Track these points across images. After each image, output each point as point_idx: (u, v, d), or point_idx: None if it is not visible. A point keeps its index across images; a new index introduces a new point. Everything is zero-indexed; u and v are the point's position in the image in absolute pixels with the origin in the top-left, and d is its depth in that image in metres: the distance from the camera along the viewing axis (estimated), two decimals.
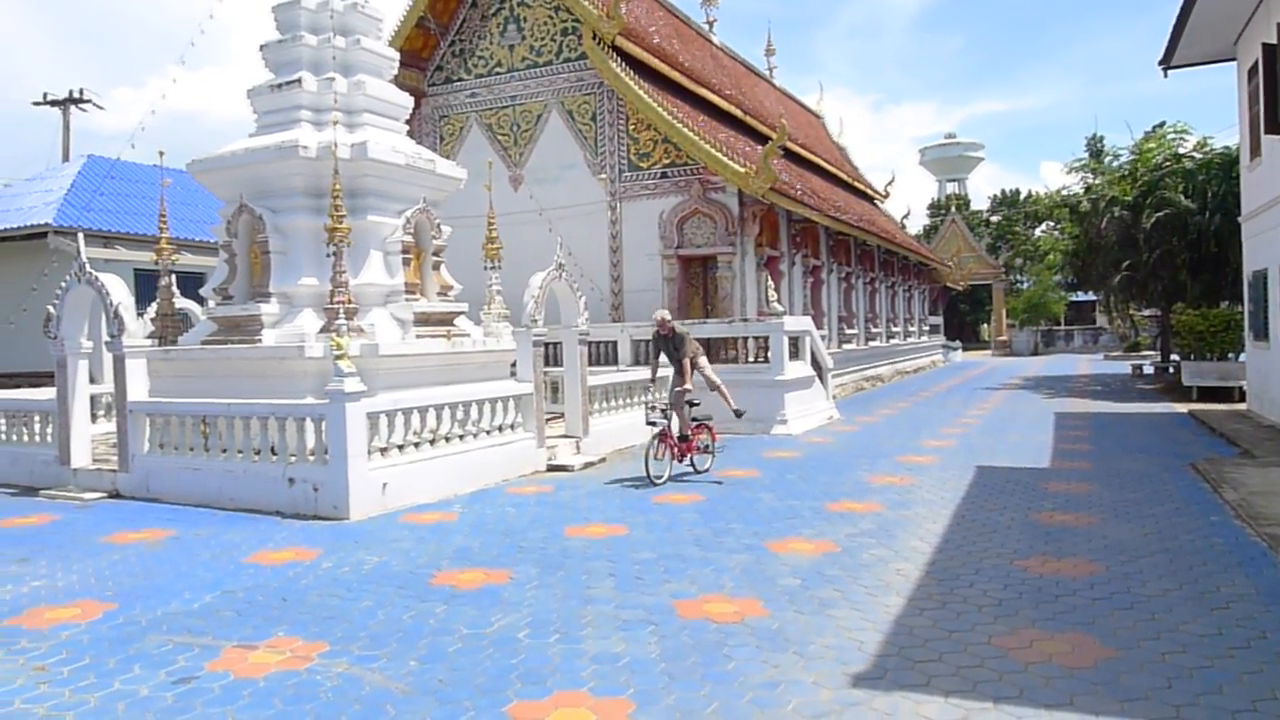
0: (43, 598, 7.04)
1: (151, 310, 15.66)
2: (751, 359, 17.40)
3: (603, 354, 19.13)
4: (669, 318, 11.82)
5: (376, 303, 13.05)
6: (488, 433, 12.02)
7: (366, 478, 10.03)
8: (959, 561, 7.42)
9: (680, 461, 11.50)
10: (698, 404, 11.99)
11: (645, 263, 20.46)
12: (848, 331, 28.11)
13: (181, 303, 15.80)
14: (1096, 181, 29.19)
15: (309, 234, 12.84)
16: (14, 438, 13.14)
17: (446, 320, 13.75)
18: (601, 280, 20.58)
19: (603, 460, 13.60)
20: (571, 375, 14.18)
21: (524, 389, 12.81)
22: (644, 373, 16.59)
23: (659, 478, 11.13)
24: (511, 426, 12.57)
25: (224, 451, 10.92)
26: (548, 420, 14.97)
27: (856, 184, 37.48)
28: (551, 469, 12.85)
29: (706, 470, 11.79)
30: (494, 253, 14.51)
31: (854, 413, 20.00)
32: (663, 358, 12.82)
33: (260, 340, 12.33)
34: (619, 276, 20.87)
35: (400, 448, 10.76)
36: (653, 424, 11.40)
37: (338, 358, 9.92)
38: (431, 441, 11.20)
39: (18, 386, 18.43)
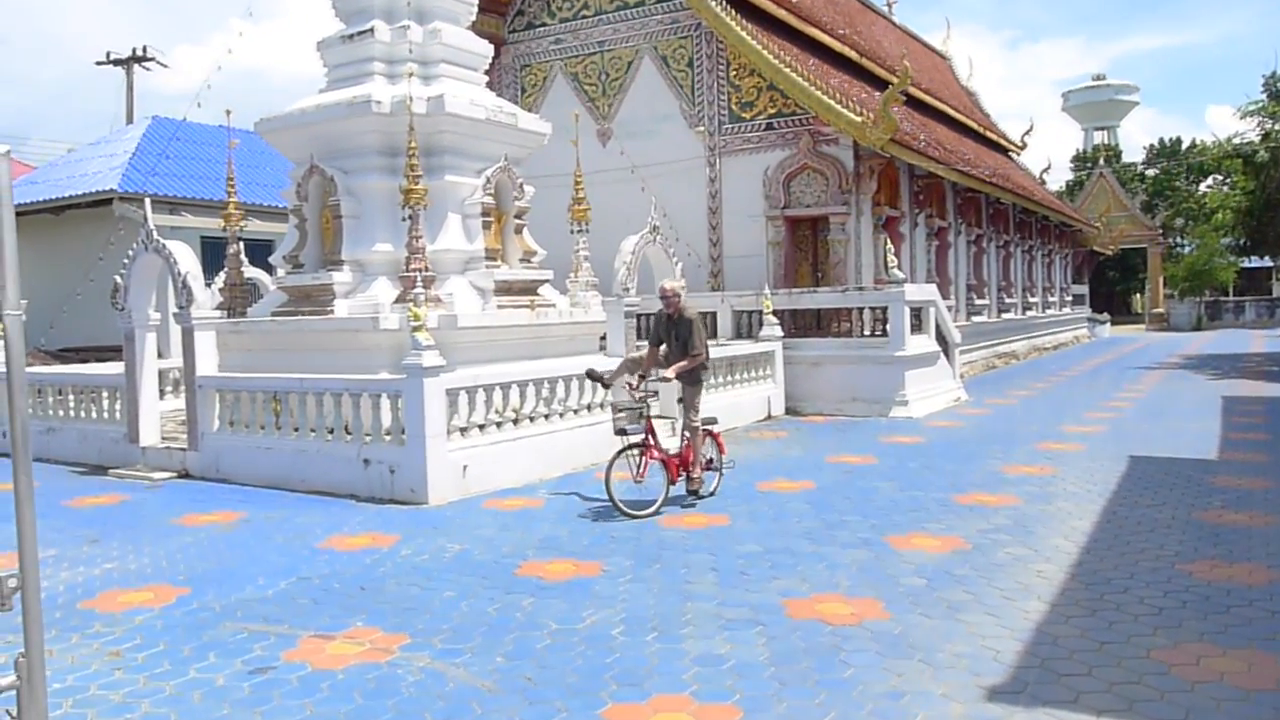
0: (115, 580, 7.42)
1: (219, 280, 16.28)
2: (867, 332, 17.19)
3: None
4: (680, 290, 9.89)
5: (455, 270, 13.29)
6: (575, 412, 12.15)
7: (446, 459, 10.26)
8: (1110, 564, 7.21)
9: (673, 483, 9.52)
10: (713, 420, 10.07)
11: (747, 225, 20.35)
12: (977, 302, 27.48)
13: (250, 272, 16.35)
14: (1276, 127, 27.76)
15: (383, 196, 13.14)
16: (82, 414, 13.86)
17: (530, 289, 13.92)
18: (699, 245, 20.54)
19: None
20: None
21: (614, 363, 12.88)
22: (747, 346, 16.55)
23: (643, 508, 9.05)
24: (601, 406, 12.67)
25: (295, 430, 11.29)
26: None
27: (988, 134, 36.46)
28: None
29: (713, 493, 9.89)
30: (581, 215, 14.62)
31: (984, 394, 19.57)
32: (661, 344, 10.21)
33: (332, 311, 12.69)
34: (718, 241, 20.80)
35: (481, 428, 10.97)
36: (623, 432, 9.17)
37: (414, 329, 10.15)
38: (515, 421, 11.39)
39: (84, 361, 19.41)
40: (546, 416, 11.80)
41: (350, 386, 10.82)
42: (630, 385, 9.47)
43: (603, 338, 14.63)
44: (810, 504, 9.55)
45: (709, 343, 10.81)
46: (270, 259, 15.19)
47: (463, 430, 10.72)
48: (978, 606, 6.32)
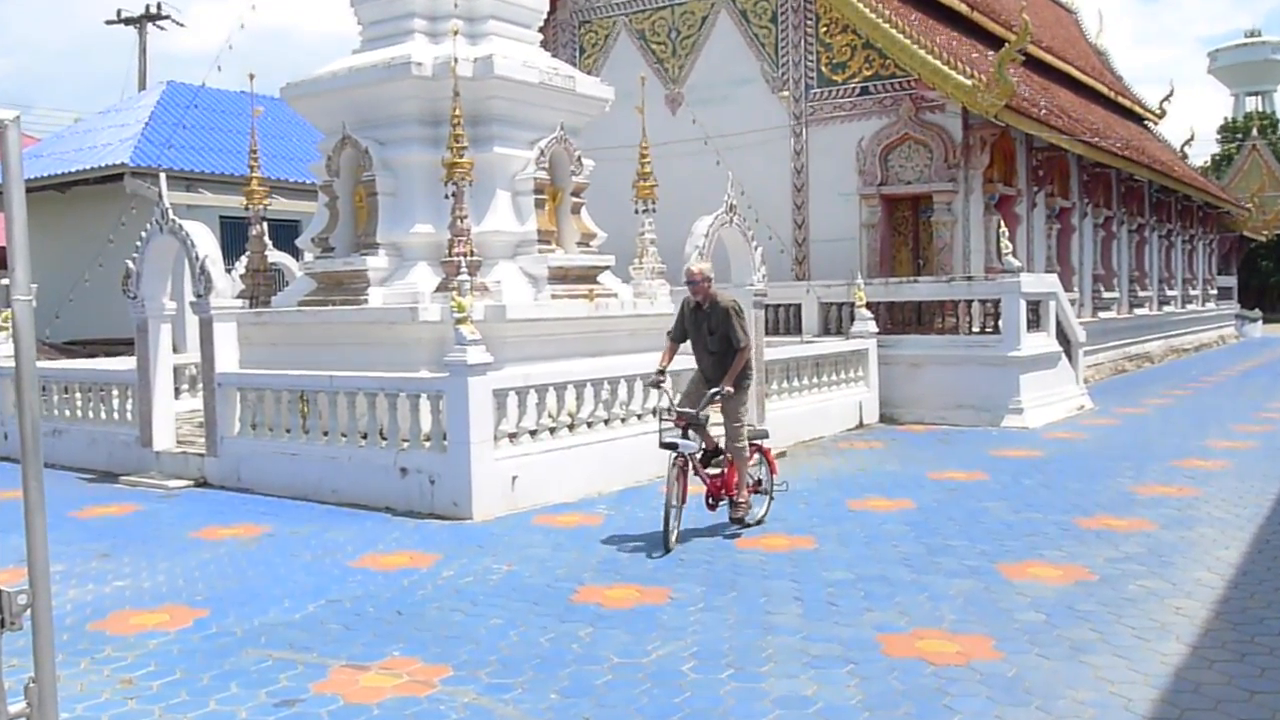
0: (127, 600, 7.62)
1: (240, 265, 16.66)
2: (976, 329, 17.00)
3: (782, 320, 19.08)
4: (708, 273, 9.31)
5: (504, 254, 13.41)
6: (639, 417, 12.19)
7: (493, 469, 10.37)
8: (1262, 601, 7.05)
9: (712, 508, 9.38)
10: (706, 418, 9.33)
11: (838, 204, 20.27)
12: (1105, 295, 27.01)
13: (274, 256, 16.71)
14: None
15: (424, 171, 13.31)
16: (91, 414, 14.24)
17: (588, 276, 13.99)
18: (782, 227, 20.46)
19: (782, 454, 13.58)
20: None
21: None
22: (836, 344, 16.47)
23: (671, 537, 8.67)
24: (668, 410, 12.68)
25: (325, 434, 11.49)
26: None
27: (1120, 100, 35.81)
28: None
29: (760, 521, 9.54)
30: (647, 192, 14.66)
31: (1112, 401, 19.24)
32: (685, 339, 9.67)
33: (366, 300, 12.89)
34: (804, 222, 20.73)
35: (532, 433, 11.05)
36: (670, 446, 8.79)
37: (458, 322, 10.26)
38: (571, 427, 11.45)
39: (92, 355, 19.94)
40: (607, 422, 11.85)
41: (386, 385, 10.97)
42: (660, 384, 9.22)
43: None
44: (909, 526, 9.49)
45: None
46: (297, 241, 15.46)
47: (512, 436, 10.81)
48: (1105, 647, 6.23)
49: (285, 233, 21.29)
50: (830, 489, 11.41)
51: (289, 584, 7.94)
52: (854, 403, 16.47)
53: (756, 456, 9.61)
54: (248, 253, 15.26)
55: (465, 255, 12.09)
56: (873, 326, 16.99)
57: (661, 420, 9.13)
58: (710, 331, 9.18)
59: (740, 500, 9.33)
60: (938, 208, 19.38)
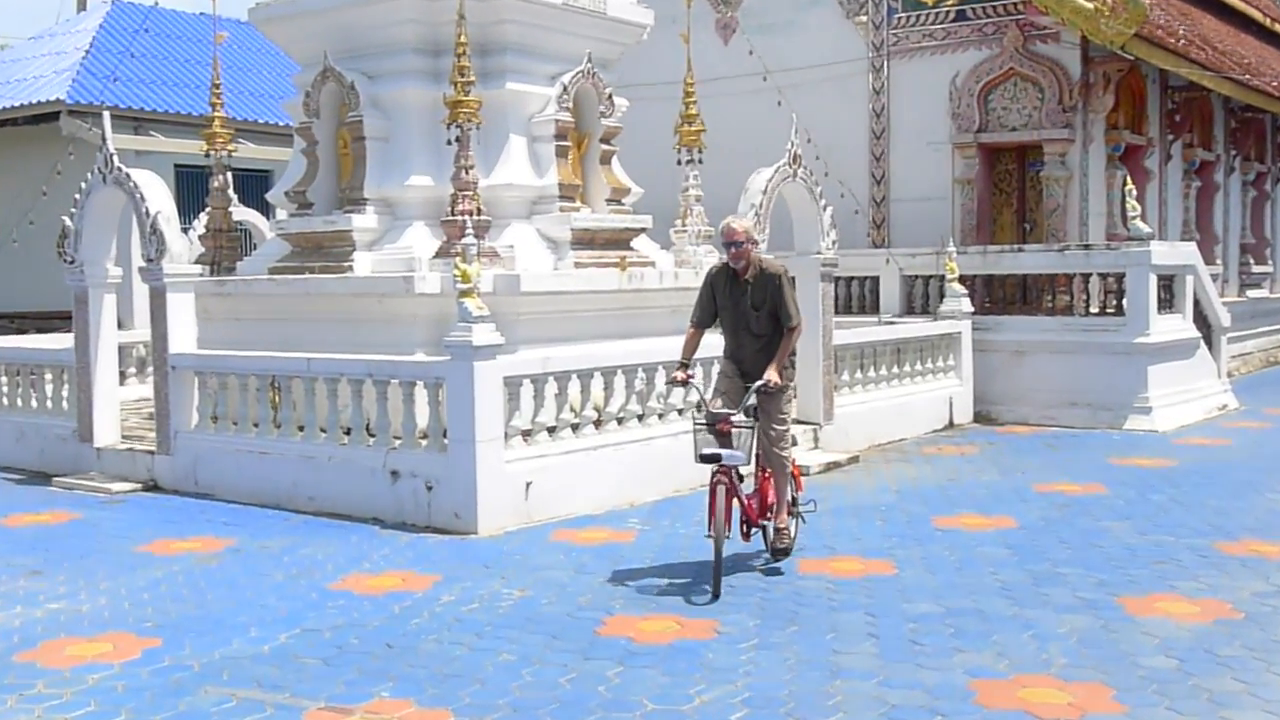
0: (63, 626, 7.71)
1: (200, 224, 16.76)
2: (1094, 309, 16.89)
3: (856, 297, 19.01)
4: (752, 232, 8.97)
5: (518, 214, 13.44)
6: (680, 412, 12.19)
7: (503, 472, 10.41)
8: None
9: (746, 536, 9.06)
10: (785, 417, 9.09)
11: (925, 156, 20.18)
12: (1256, 269, 26.73)
13: (241, 213, 16.75)
14: None
15: (421, 111, 13.35)
16: (19, 403, 14.40)
17: (620, 241, 14.00)
18: (857, 183, 20.36)
19: (854, 460, 13.58)
20: (808, 328, 14.11)
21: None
22: (922, 327, 16.39)
23: (721, 578, 8.33)
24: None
25: (301, 429, 11.57)
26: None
27: (1278, 27, 35.32)
28: None
29: (791, 546, 9.16)
30: (693, 139, 14.64)
31: (1262, 400, 19.05)
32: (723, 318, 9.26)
33: (351, 268, 12.96)
34: (884, 177, 20.65)
35: (551, 430, 11.08)
36: (712, 458, 8.45)
37: (462, 294, 10.28)
38: (597, 423, 11.49)
39: (22, 332, 20.12)
40: (641, 418, 11.85)
41: (374, 370, 11.03)
42: (683, 378, 8.90)
43: None
44: (1010, 549, 9.47)
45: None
46: (268, 196, 15.54)
47: (526, 434, 10.85)
48: (1252, 701, 6.20)
49: (254, 185, 21.41)
50: (913, 503, 11.37)
51: (257, 609, 7.99)
52: (943, 398, 16.41)
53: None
54: (208, 209, 15.37)
55: (471, 214, 12.11)
56: (967, 305, 16.89)
57: (696, 425, 8.64)
58: (754, 308, 8.80)
59: (782, 526, 9.07)
60: (1049, 160, 19.22)
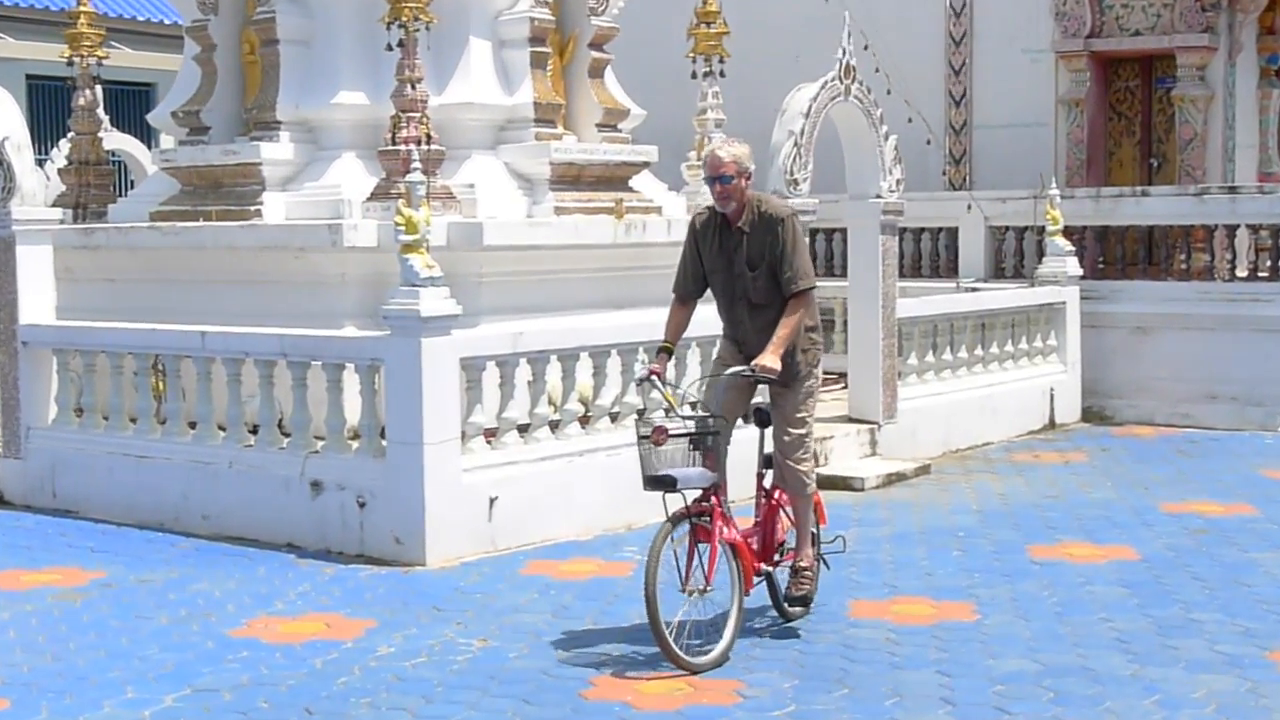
0: None
1: (60, 153, 16.66)
2: (1241, 273, 16.83)
3: (927, 254, 18.95)
4: (744, 162, 8.37)
5: (481, 142, 13.37)
6: (692, 405, 12.07)
7: (459, 484, 10.36)
8: None
9: (747, 589, 8.25)
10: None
11: (1019, 67, 20.15)
12: None
13: (114, 140, 16.68)
14: None
15: (353, 6, 13.30)
16: None
17: (615, 179, 13.92)
18: (929, 105, 20.27)
19: (924, 470, 13.56)
20: (864, 296, 14.15)
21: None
22: (1013, 295, 16.32)
23: (704, 648, 7.88)
24: None
25: (193, 426, 11.52)
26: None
27: None
28: (821, 483, 12.57)
29: (813, 592, 8.76)
30: (712, 45, 14.55)
31: None
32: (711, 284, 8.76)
33: (259, 213, 12.92)
34: (964, 96, 20.60)
35: (524, 430, 11.04)
36: (662, 480, 7.83)
37: (406, 248, 10.19)
38: (584, 420, 11.46)
39: None
40: (641, 413, 11.77)
41: (290, 348, 10.96)
42: (656, 379, 8.26)
43: None
44: (1129, 587, 9.43)
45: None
46: (150, 117, 15.43)
47: (490, 434, 10.81)
48: None
49: (131, 103, 21.35)
50: (1001, 527, 11.33)
51: (134, 662, 7.92)
52: (1041, 389, 16.40)
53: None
54: (71, 134, 15.27)
55: (418, 142, 12.03)
56: (1074, 266, 16.83)
57: (641, 435, 7.93)
58: (751, 267, 8.36)
59: (805, 566, 8.63)
60: (1183, 75, 19.14)
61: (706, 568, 7.83)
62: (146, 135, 18.47)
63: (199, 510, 11.22)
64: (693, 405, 8.45)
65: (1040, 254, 17.19)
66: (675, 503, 7.84)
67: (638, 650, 8.08)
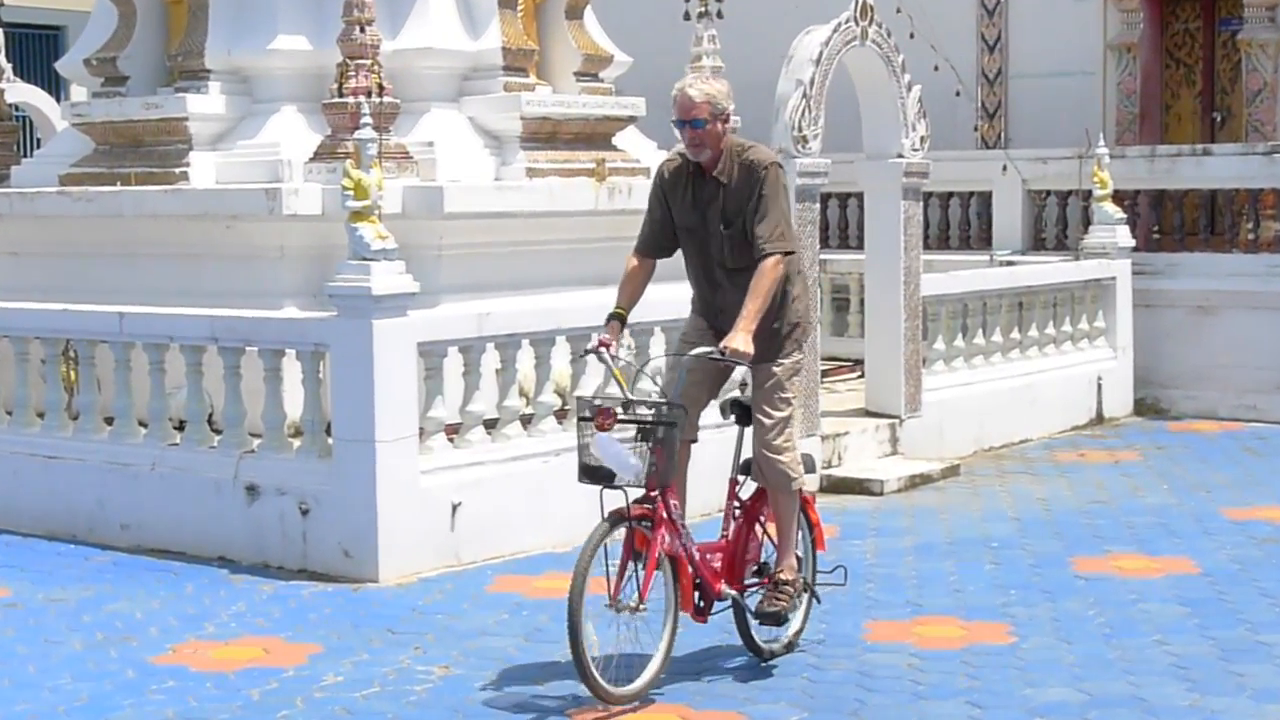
0: None
1: None
2: None
3: (956, 223, 18.99)
4: (719, 100, 8.09)
5: (441, 94, 13.40)
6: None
7: (417, 488, 10.39)
8: None
9: (701, 614, 8.08)
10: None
11: (1061, 8, 20.27)
12: None
13: (17, 91, 16.68)
14: None
15: None
16: None
17: (596, 135, 13.95)
18: (959, 52, 20.32)
19: (952, 471, 13.65)
20: (883, 271, 14.23)
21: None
22: (1055, 269, 16.36)
23: (628, 677, 7.69)
24: (740, 386, 12.61)
25: (109, 422, 11.55)
26: (829, 375, 14.98)
27: None
28: (833, 486, 13.05)
29: (790, 645, 8.52)
30: None
31: None
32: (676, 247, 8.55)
33: (186, 175, 12.93)
34: (999, 41, 20.64)
35: (491, 426, 11.09)
36: (599, 472, 7.68)
37: (355, 216, 10.23)
38: (560, 414, 11.49)
39: None
40: (626, 406, 11.81)
41: (221, 331, 10.98)
42: (605, 351, 8.02)
43: None
44: (1188, 606, 9.45)
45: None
46: (59, 65, 15.42)
47: (453, 431, 10.85)
48: None
49: (38, 49, 21.31)
50: (1041, 536, 11.39)
51: (43, 694, 7.94)
52: (1088, 378, 16.47)
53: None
54: None
55: (369, 94, 12.06)
56: (1126, 236, 16.89)
57: (581, 420, 7.78)
58: (726, 224, 8.17)
59: (785, 580, 8.29)
60: (1250, 17, 19.15)
61: (642, 582, 7.57)
62: (55, 86, 18.47)
63: (117, 519, 11.25)
64: (647, 394, 8.24)
65: (1086, 222, 17.23)
66: (616, 501, 7.61)
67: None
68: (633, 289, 8.37)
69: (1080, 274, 16.52)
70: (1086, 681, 8.02)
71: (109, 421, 11.56)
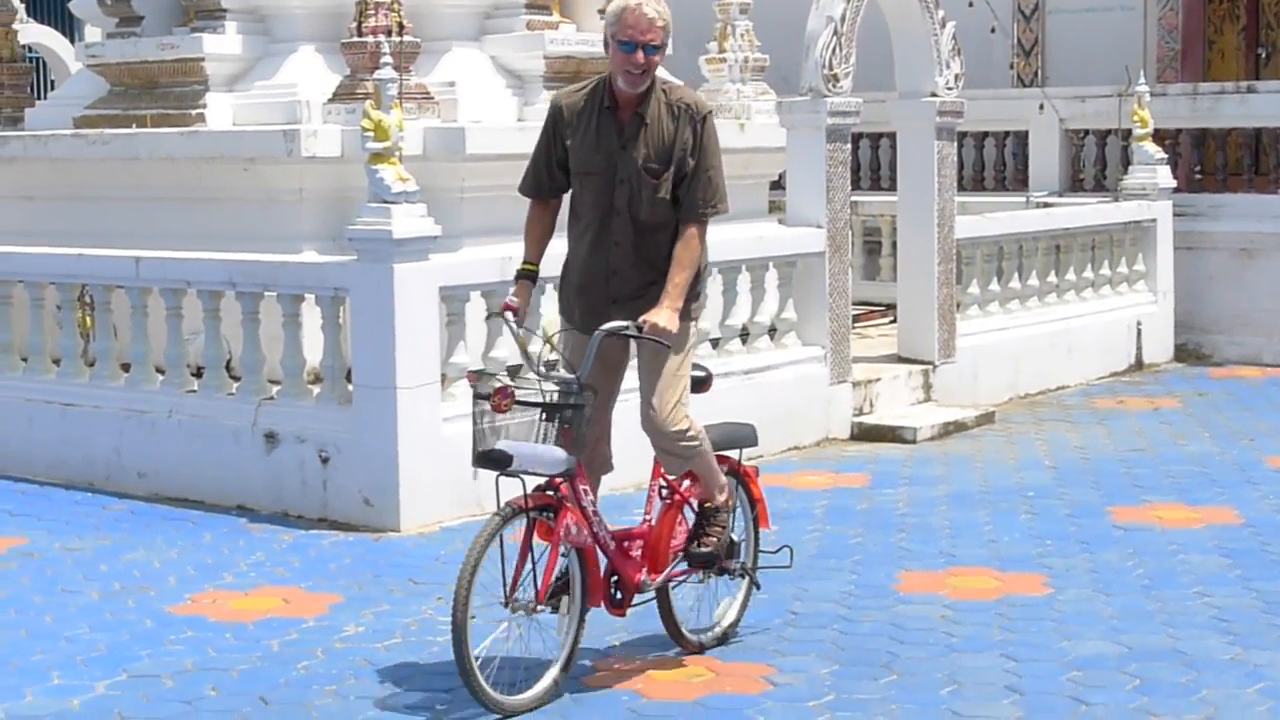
0: None
1: None
2: None
3: (992, 164, 18.93)
4: (669, 27, 7.27)
5: (462, 32, 13.37)
6: (713, 343, 12.29)
7: (439, 437, 10.40)
8: None
9: (619, 607, 7.54)
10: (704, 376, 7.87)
11: None
12: None
13: (30, 32, 16.65)
14: None
15: None
16: None
17: None
18: None
19: (987, 419, 13.66)
20: (916, 213, 14.18)
21: (801, 243, 12.95)
22: (1089, 210, 16.30)
23: (523, 683, 7.12)
24: (770, 332, 12.67)
25: (126, 369, 11.58)
26: (860, 320, 14.96)
27: None
28: (865, 434, 13.10)
29: (725, 635, 7.99)
30: None
31: None
32: (587, 196, 7.54)
33: (202, 117, 12.95)
34: None
35: (514, 372, 10.94)
36: (494, 458, 6.99)
37: (375, 158, 10.21)
38: None
39: None
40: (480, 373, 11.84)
41: (239, 276, 10.99)
42: (511, 316, 7.41)
43: (778, 183, 14.56)
44: (1229, 557, 9.43)
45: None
46: (72, 5, 15.41)
47: (475, 377, 10.78)
48: None
49: None
50: (1079, 486, 11.36)
51: (61, 644, 7.98)
52: (1127, 323, 16.43)
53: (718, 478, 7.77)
54: None
55: (389, 32, 12.02)
56: (1167, 177, 16.80)
57: (477, 398, 7.14)
58: (648, 170, 7.32)
59: (714, 508, 7.71)
60: None
61: (542, 578, 7.01)
62: (69, 27, 18.46)
63: (134, 467, 11.29)
64: (551, 365, 7.33)
65: (1126, 163, 17.18)
66: (513, 489, 7.01)
67: (647, 629, 8.11)
68: (540, 238, 7.58)
69: (1119, 216, 16.45)
70: (1125, 634, 8.01)
71: (125, 368, 11.60)
